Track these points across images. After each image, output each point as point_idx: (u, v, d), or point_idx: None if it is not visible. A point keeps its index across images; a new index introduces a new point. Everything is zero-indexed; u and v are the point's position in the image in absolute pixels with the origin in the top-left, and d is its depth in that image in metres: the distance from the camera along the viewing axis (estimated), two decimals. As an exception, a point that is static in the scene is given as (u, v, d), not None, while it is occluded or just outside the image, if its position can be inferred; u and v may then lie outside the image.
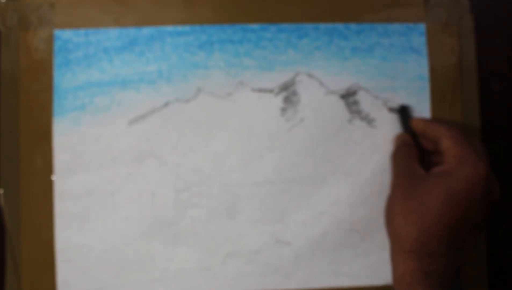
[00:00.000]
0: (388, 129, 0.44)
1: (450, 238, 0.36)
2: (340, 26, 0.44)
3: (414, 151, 0.41)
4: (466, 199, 0.36)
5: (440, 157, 0.39)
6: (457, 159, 0.38)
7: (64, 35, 0.42)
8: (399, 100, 0.44)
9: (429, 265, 0.36)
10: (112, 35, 0.42)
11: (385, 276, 0.44)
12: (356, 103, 0.44)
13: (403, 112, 0.44)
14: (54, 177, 0.42)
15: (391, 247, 0.38)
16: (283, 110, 0.43)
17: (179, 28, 0.43)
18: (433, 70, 0.44)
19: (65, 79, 0.42)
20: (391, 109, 0.44)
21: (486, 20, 0.45)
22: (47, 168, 0.42)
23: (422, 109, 0.44)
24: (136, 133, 0.42)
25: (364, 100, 0.44)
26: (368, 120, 0.44)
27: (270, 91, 0.43)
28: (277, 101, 0.43)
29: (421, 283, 0.35)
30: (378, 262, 0.44)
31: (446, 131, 0.40)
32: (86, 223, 0.42)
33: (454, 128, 0.40)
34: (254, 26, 0.43)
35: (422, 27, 0.44)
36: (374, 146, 0.44)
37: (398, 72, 0.44)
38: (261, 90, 0.43)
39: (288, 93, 0.43)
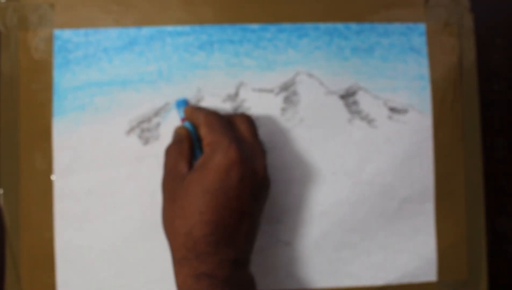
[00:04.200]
0: (388, 129, 0.44)
1: (217, 234, 0.33)
2: (340, 26, 0.44)
3: (185, 146, 0.37)
4: (221, 189, 0.33)
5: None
6: (210, 146, 0.35)
7: (64, 35, 0.42)
8: (399, 100, 0.44)
9: (197, 269, 0.33)
10: (112, 35, 0.42)
11: (385, 276, 0.44)
12: (356, 103, 0.44)
13: (180, 104, 0.41)
14: (54, 177, 0.42)
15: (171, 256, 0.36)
16: (283, 110, 0.43)
17: (179, 28, 0.43)
18: (433, 70, 0.44)
19: (65, 79, 0.42)
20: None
21: (486, 20, 0.45)
22: (47, 168, 0.42)
23: (423, 109, 0.44)
24: (136, 133, 0.42)
25: (364, 100, 0.44)
26: (368, 120, 0.44)
27: (270, 91, 0.43)
28: (277, 101, 0.43)
29: (191, 289, 0.33)
30: (378, 262, 0.44)
31: (203, 118, 0.37)
32: (86, 223, 0.42)
33: (212, 114, 0.37)
34: (254, 26, 0.43)
35: (422, 27, 0.44)
36: (374, 146, 0.44)
37: (398, 72, 0.44)
38: (261, 90, 0.43)
39: (288, 93, 0.43)
